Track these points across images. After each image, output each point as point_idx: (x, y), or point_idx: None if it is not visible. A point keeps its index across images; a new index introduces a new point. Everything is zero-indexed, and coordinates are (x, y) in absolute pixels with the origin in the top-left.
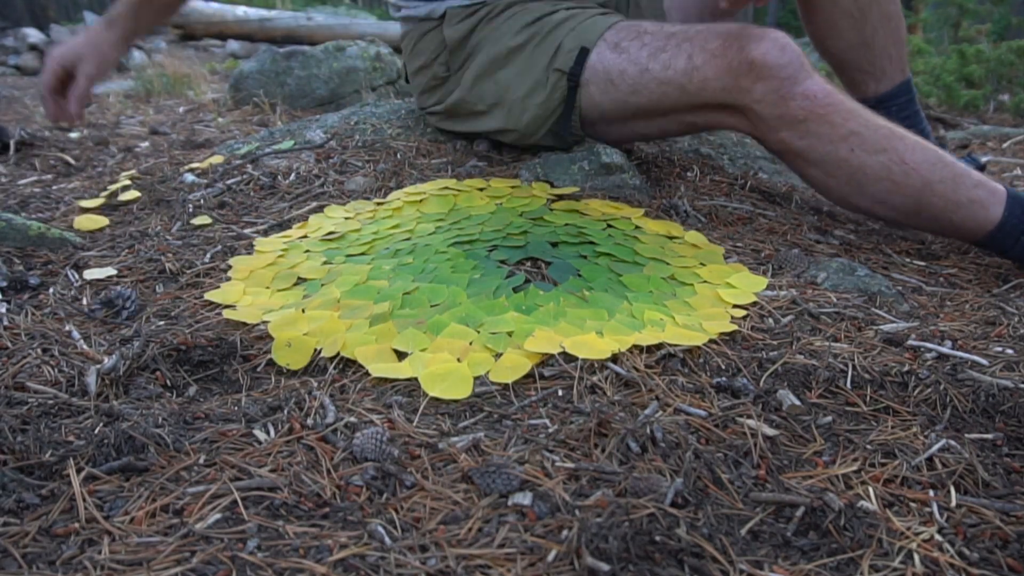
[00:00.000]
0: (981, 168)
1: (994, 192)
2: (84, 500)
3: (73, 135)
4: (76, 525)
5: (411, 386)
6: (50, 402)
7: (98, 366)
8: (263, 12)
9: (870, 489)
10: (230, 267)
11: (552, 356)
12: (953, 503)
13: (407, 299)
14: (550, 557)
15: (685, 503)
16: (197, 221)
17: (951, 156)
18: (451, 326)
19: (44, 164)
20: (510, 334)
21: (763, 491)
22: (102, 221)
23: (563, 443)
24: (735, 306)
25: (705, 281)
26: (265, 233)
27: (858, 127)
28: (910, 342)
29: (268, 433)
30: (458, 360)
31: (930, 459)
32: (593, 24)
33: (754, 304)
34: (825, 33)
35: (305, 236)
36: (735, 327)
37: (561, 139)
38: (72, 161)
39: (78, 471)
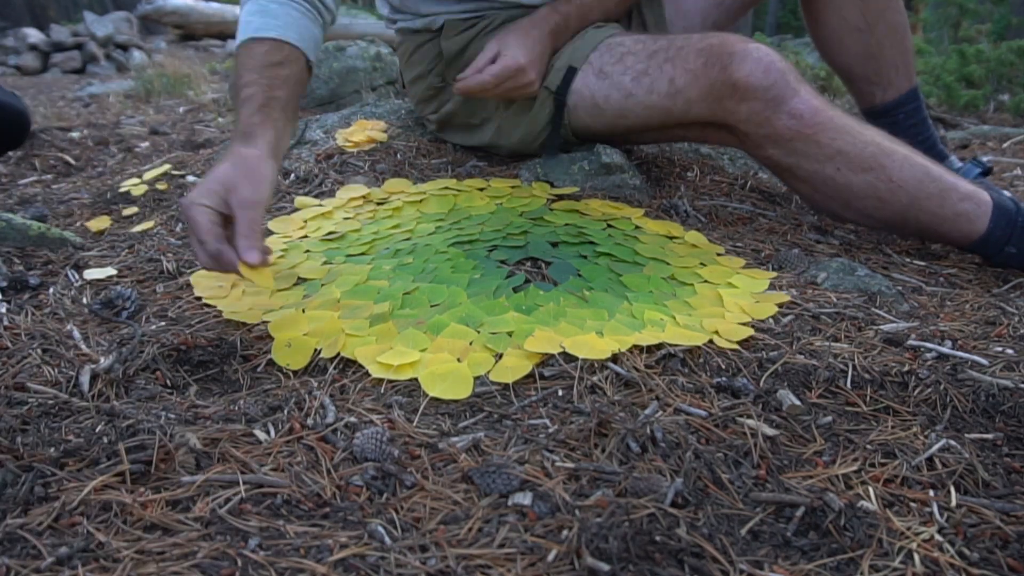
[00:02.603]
0: (987, 172)
1: (980, 204)
2: (85, 500)
3: (73, 135)
4: (78, 525)
5: (411, 386)
6: (50, 402)
7: (93, 366)
8: None
9: (870, 489)
10: None
11: (552, 356)
12: (953, 503)
13: (407, 299)
14: (550, 557)
15: (685, 503)
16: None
17: (940, 168)
18: (451, 326)
19: (44, 164)
20: (510, 334)
21: (763, 491)
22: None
23: (563, 443)
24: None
25: (705, 281)
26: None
27: (845, 146)
28: (910, 342)
29: (268, 433)
30: (458, 360)
31: (930, 459)
32: (583, 42)
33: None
34: (831, 47)
35: (305, 236)
36: (734, 327)
37: (554, 152)
38: (72, 161)
39: (79, 471)
